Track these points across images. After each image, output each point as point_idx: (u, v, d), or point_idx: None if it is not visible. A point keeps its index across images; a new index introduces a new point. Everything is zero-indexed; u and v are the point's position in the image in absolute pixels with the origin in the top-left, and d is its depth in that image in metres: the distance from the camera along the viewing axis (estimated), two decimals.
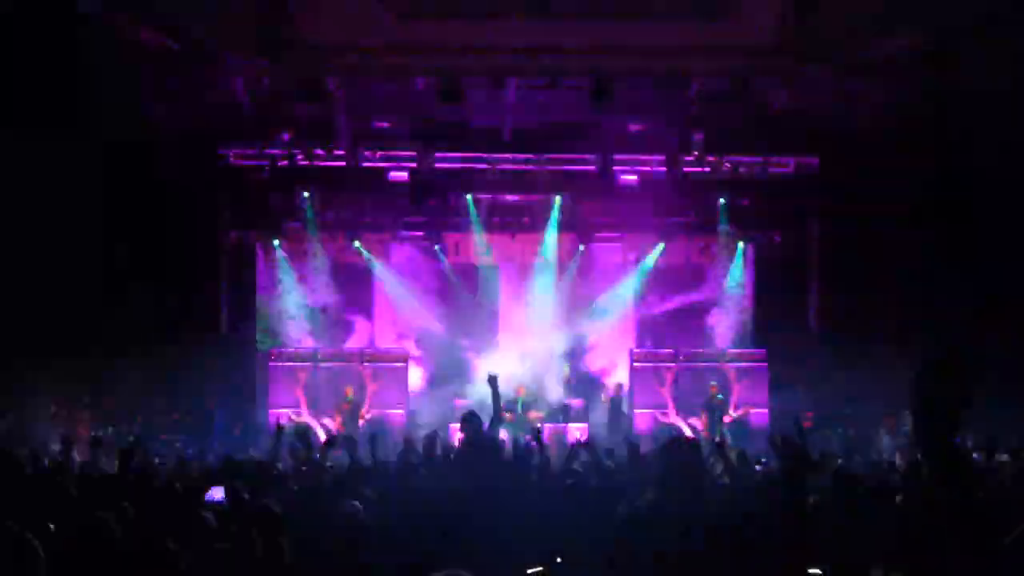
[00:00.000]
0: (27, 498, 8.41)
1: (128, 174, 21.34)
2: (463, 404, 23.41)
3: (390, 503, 9.26)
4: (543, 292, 24.91)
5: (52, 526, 7.15)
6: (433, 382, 25.41)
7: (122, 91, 19.61)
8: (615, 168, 24.07)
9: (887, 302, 23.81)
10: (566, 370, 25.01)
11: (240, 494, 8.77)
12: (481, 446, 9.79)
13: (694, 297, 25.56)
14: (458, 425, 11.15)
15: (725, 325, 25.52)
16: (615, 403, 24.35)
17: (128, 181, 21.45)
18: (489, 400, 11.24)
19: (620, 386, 24.66)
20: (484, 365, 25.05)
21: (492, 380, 11.37)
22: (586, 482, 10.29)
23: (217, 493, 8.96)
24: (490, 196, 25.10)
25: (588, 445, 11.55)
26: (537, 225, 25.16)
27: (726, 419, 23.11)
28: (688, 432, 23.06)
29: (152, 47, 19.65)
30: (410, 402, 24.45)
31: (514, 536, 8.24)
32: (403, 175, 24.26)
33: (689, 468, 6.91)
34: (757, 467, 12.47)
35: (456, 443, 14.21)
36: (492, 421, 10.66)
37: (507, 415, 17.47)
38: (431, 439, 11.53)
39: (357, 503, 8.66)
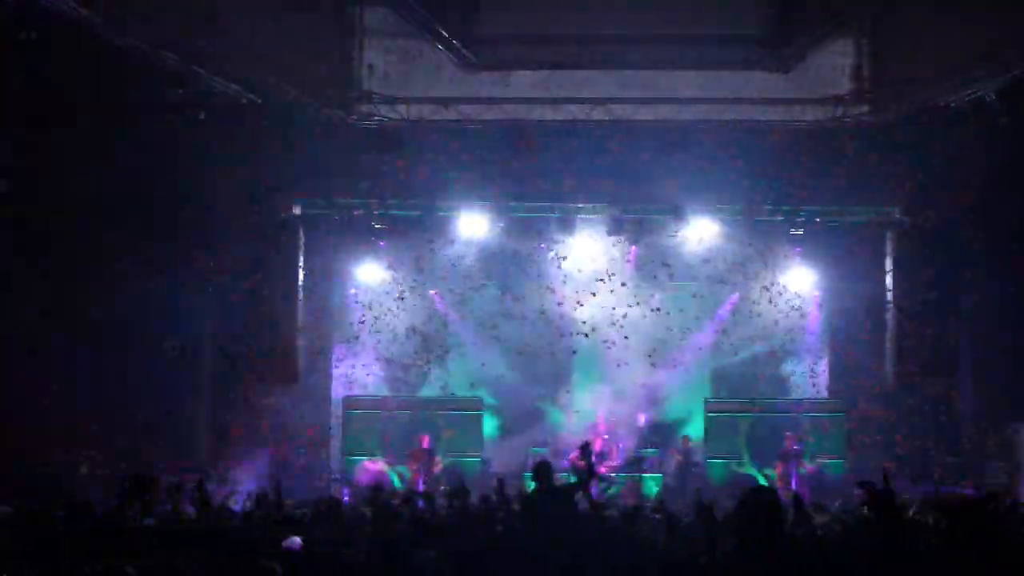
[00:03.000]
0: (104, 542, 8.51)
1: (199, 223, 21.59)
2: (536, 453, 23.46)
3: (465, 553, 9.27)
4: (617, 341, 24.78)
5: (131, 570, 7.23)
6: (507, 430, 25.43)
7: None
8: (689, 217, 24.00)
9: (965, 353, 23.50)
10: (641, 419, 24.91)
11: (316, 545, 8.82)
12: (553, 495, 9.80)
13: (770, 346, 25.37)
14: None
15: (801, 374, 25.32)
16: (686, 456, 24.20)
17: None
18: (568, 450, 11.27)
19: (687, 438, 24.48)
20: (556, 414, 25.17)
21: (584, 448, 11.39)
22: (654, 535, 10.27)
23: (294, 542, 9.00)
24: (563, 244, 25.02)
25: (659, 502, 11.53)
26: (613, 274, 25.02)
27: (802, 469, 22.87)
28: (763, 482, 22.87)
29: (230, 99, 19.98)
30: (484, 450, 24.46)
31: None
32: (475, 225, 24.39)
33: (768, 518, 6.88)
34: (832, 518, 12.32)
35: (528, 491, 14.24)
36: (583, 481, 10.62)
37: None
38: (500, 484, 11.56)
39: (431, 552, 8.69)
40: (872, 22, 23.56)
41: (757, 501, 7.00)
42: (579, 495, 10.90)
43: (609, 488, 18.50)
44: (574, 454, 20.91)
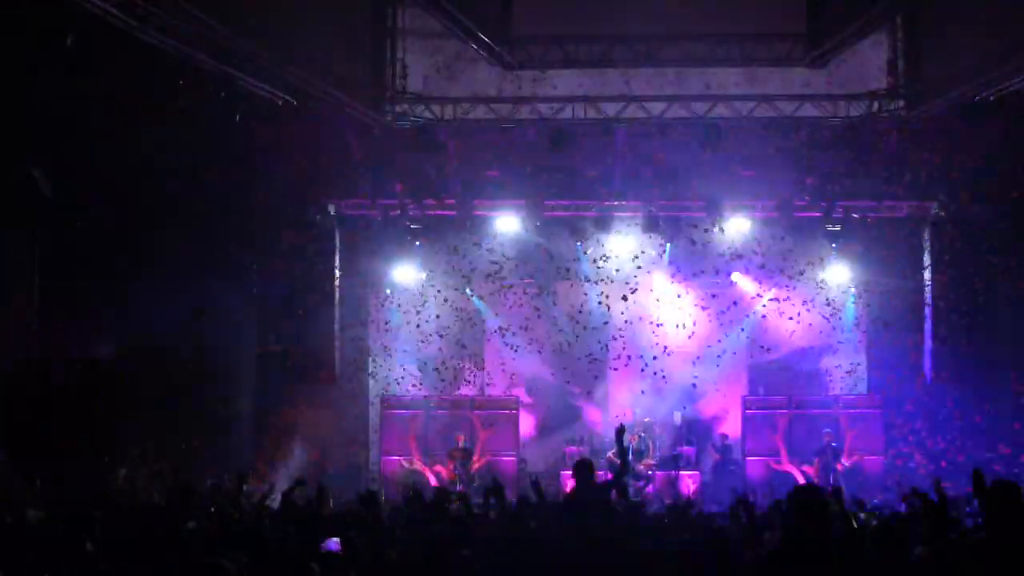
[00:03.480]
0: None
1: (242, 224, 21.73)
2: (573, 451, 23.50)
3: (502, 552, 9.30)
4: (654, 339, 24.78)
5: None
6: (543, 429, 25.49)
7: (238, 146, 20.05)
8: (726, 214, 23.96)
9: (1004, 349, 23.37)
10: (677, 417, 24.91)
11: (356, 546, 8.87)
12: (593, 495, 9.82)
13: (807, 343, 25.30)
14: (569, 472, 11.15)
15: (838, 371, 25.25)
16: (724, 453, 24.22)
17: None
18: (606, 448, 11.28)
19: (725, 436, 24.52)
20: (594, 412, 25.17)
21: (619, 433, 11.33)
22: (694, 534, 10.27)
23: (333, 544, 9.06)
24: (600, 242, 25.01)
25: (693, 501, 11.51)
26: (649, 272, 25.02)
27: (839, 466, 22.82)
28: (801, 479, 22.84)
29: (267, 101, 20.08)
30: (521, 449, 24.52)
31: None
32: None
33: (816, 514, 6.91)
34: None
35: (566, 490, 14.27)
36: (619, 473, 10.63)
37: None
38: (535, 484, 11.57)
39: (468, 552, 8.73)
40: (907, 17, 23.46)
41: (806, 501, 7.05)
42: (614, 492, 10.90)
43: (646, 485, 18.50)
44: (611, 452, 20.96)
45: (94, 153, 17.37)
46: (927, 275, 24.53)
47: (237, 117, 19.78)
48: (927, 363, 24.51)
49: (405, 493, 12.34)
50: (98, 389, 18.76)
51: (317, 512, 11.14)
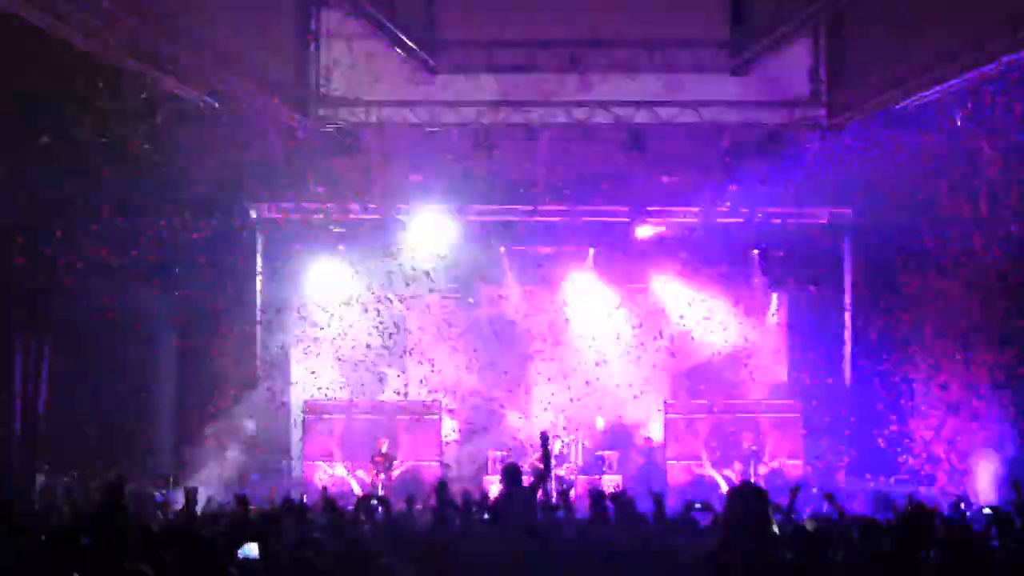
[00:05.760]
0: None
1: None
2: (497, 456, 23.47)
3: (427, 557, 9.26)
4: (576, 342, 24.84)
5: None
6: (466, 434, 25.43)
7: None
8: (649, 218, 24.11)
9: (923, 353, 23.65)
10: (600, 422, 24.98)
11: (276, 550, 8.78)
12: (519, 499, 9.80)
13: (729, 348, 25.46)
14: (494, 477, 11.13)
15: (759, 376, 25.44)
16: (648, 457, 24.31)
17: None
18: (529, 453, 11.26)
19: (648, 439, 24.62)
20: (517, 417, 25.15)
21: (544, 438, 11.36)
22: (618, 535, 10.27)
23: (252, 550, 8.95)
24: (523, 248, 25.04)
25: (620, 498, 11.51)
26: (570, 276, 25.10)
27: (760, 470, 22.99)
28: (723, 484, 22.99)
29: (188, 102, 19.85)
30: (443, 454, 24.44)
31: None
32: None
33: (754, 513, 6.95)
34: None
35: (489, 494, 14.24)
36: (541, 476, 10.62)
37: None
38: (442, 486, 11.56)
39: (392, 560, 8.67)
40: (829, 26, 23.66)
41: (744, 498, 7.09)
42: (540, 493, 10.89)
43: (568, 489, 18.48)
44: (535, 457, 20.96)
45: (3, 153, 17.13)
46: (846, 281, 24.81)
47: (158, 119, 19.55)
48: (847, 368, 24.76)
49: (323, 499, 12.18)
50: (14, 393, 18.52)
51: (237, 517, 10.99)
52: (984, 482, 20.72)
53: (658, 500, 11.30)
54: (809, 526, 10.40)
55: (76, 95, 17.40)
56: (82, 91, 17.41)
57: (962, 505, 16.33)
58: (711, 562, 7.12)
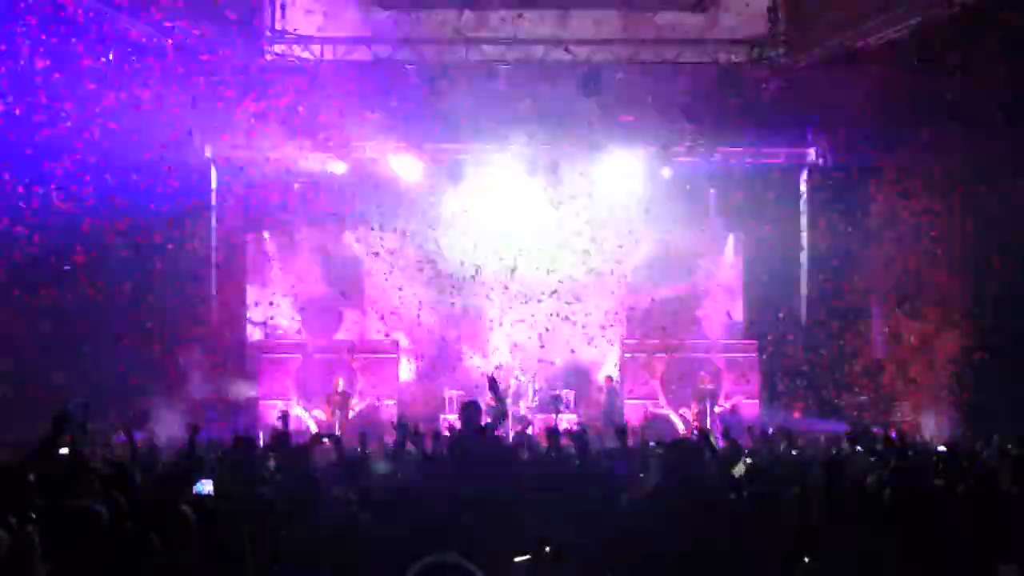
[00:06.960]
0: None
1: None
2: (453, 395, 23.43)
3: (382, 494, 9.24)
4: (533, 282, 24.74)
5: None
6: (423, 373, 25.39)
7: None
8: (606, 157, 24.05)
9: (877, 292, 23.82)
10: (558, 361, 24.95)
11: (228, 487, 8.73)
12: (477, 436, 9.77)
13: (685, 288, 25.49)
14: (450, 416, 11.11)
15: (715, 316, 25.51)
16: (609, 396, 24.30)
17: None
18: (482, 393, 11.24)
19: (610, 378, 24.62)
20: (474, 357, 25.14)
21: (492, 382, 11.34)
22: (577, 470, 10.28)
23: (206, 486, 8.89)
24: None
25: (577, 435, 11.51)
26: (527, 214, 24.98)
27: (716, 409, 23.08)
28: (679, 423, 23.11)
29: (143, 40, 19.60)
30: (400, 393, 24.40)
31: (505, 523, 8.23)
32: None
33: (691, 463, 7.15)
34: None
35: (446, 432, 14.23)
36: (495, 418, 10.58)
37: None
38: (402, 427, 11.53)
39: (350, 494, 8.64)
40: None
41: (681, 448, 7.30)
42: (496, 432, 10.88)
43: (526, 427, 18.50)
44: (488, 397, 20.98)
45: None
46: (803, 221, 24.86)
47: (110, 56, 19.29)
48: (802, 308, 24.87)
49: (273, 437, 12.09)
50: None
51: (189, 455, 10.90)
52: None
53: (622, 434, 11.29)
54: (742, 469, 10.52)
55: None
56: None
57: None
58: (646, 506, 7.30)
